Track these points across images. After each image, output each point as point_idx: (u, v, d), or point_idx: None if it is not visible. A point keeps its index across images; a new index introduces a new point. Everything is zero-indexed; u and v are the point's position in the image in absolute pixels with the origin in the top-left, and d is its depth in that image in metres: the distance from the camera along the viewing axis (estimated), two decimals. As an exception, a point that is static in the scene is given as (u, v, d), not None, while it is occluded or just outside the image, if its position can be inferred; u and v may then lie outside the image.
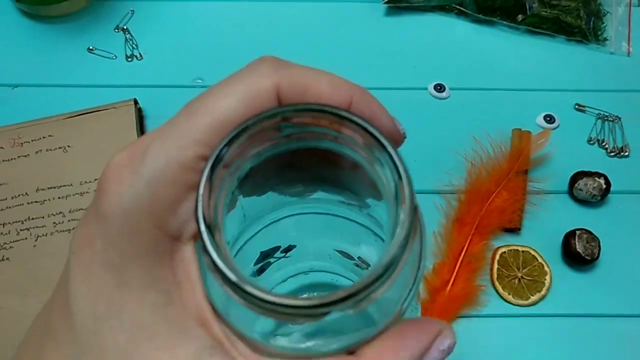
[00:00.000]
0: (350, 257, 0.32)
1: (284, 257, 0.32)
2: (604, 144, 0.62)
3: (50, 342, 0.22)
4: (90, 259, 0.22)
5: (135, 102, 0.60)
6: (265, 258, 0.31)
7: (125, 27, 0.66)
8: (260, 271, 0.31)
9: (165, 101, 0.63)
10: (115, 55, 0.65)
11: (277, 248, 0.31)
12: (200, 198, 0.20)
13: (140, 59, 0.65)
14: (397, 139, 0.25)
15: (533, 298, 0.55)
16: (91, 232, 0.22)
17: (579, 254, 0.55)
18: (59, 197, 0.54)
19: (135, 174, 0.21)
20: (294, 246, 0.32)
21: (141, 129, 0.60)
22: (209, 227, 0.20)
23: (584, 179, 0.58)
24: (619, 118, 0.64)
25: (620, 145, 0.62)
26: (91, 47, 0.65)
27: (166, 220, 0.22)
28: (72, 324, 0.21)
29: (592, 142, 0.63)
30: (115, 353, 0.21)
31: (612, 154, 0.62)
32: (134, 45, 0.65)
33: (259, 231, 0.29)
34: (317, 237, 0.32)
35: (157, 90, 0.63)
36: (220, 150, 0.21)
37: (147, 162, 0.21)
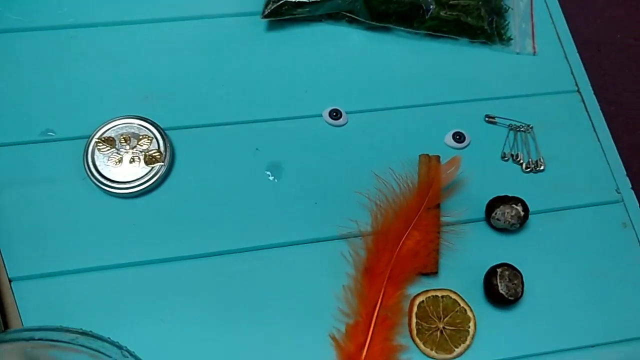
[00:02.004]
0: None
1: None
2: (518, 159, 0.57)
3: None
4: None
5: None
6: None
7: (-51, 75, 0.54)
8: None
9: (12, 164, 0.52)
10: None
11: None
12: None
13: (-28, 114, 0.53)
14: None
15: (458, 350, 0.49)
16: None
17: (502, 295, 0.49)
18: None
19: None
20: None
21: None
22: None
23: (501, 207, 0.52)
24: (531, 127, 0.59)
25: (535, 159, 0.57)
26: None
27: None
28: None
29: (506, 159, 0.57)
30: None
31: (528, 169, 0.57)
32: (-38, 97, 0.53)
33: None
34: None
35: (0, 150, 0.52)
36: None
37: None
